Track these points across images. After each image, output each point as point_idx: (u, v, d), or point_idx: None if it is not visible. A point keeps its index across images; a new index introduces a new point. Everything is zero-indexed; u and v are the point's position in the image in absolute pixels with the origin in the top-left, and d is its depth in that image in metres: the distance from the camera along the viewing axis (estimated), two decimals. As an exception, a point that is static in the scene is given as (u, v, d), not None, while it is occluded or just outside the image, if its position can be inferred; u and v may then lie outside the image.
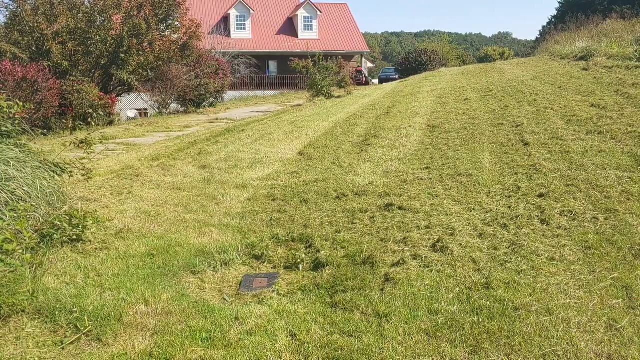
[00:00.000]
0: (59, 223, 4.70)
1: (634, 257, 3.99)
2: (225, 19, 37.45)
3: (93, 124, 15.15)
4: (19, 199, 4.67)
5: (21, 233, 3.91)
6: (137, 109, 22.12)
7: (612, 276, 3.73)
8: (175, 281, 4.08)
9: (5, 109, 5.60)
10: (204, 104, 21.30)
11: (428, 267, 4.06)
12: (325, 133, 10.57)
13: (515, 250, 4.26)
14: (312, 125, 11.88)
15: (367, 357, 2.98)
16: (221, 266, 4.37)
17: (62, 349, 3.18)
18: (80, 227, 4.84)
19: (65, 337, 3.30)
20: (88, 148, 5.88)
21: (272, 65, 37.47)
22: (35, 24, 16.06)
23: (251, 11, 37.38)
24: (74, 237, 4.77)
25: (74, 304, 3.62)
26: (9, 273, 3.83)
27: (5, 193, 4.59)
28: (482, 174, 6.37)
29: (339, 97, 21.15)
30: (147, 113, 21.82)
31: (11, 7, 16.81)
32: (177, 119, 17.25)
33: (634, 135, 7.25)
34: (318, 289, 3.88)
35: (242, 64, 32.51)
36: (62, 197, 5.52)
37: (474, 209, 5.25)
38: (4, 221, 3.99)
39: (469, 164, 6.88)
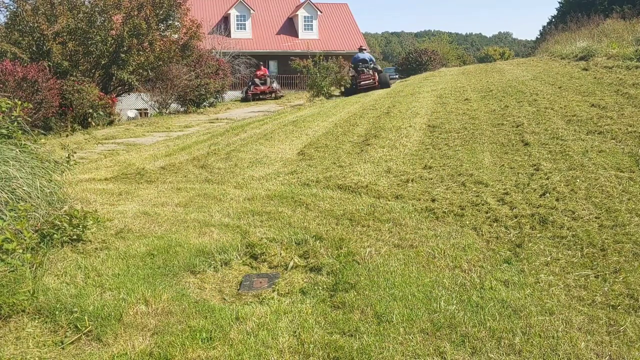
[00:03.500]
0: (59, 223, 4.71)
1: (635, 257, 3.99)
2: (226, 19, 37.45)
3: (93, 124, 15.16)
4: (19, 199, 4.67)
5: (21, 233, 3.91)
6: (138, 109, 22.11)
7: (613, 276, 3.72)
8: (175, 281, 4.08)
9: (4, 109, 5.60)
10: (204, 103, 21.29)
11: (429, 267, 4.06)
12: (325, 133, 10.56)
13: (516, 249, 4.26)
14: (312, 125, 11.87)
15: (367, 356, 2.97)
16: (221, 266, 4.38)
17: (62, 348, 3.18)
18: (81, 227, 4.85)
19: (65, 337, 3.30)
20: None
21: (273, 65, 37.44)
22: (36, 24, 16.05)
23: (251, 11, 37.38)
24: (74, 237, 4.77)
25: (74, 303, 3.62)
26: (9, 273, 3.83)
27: (6, 193, 4.59)
28: (483, 174, 6.37)
29: (339, 97, 21.14)
30: (147, 113, 21.81)
31: (11, 7, 16.80)
32: (177, 119, 17.25)
33: (634, 135, 7.24)
34: (318, 288, 3.87)
35: (243, 63, 32.48)
36: (62, 197, 5.53)
37: (474, 209, 5.24)
38: (4, 221, 3.99)
39: (470, 164, 6.88)
